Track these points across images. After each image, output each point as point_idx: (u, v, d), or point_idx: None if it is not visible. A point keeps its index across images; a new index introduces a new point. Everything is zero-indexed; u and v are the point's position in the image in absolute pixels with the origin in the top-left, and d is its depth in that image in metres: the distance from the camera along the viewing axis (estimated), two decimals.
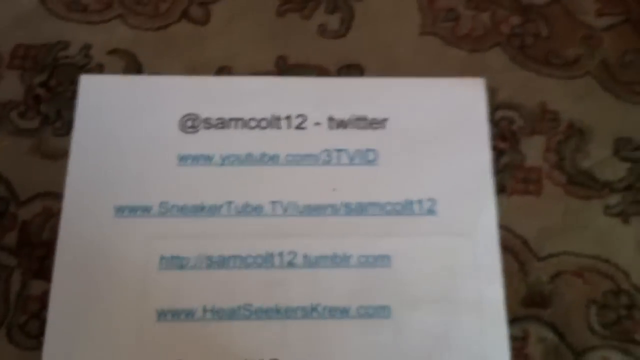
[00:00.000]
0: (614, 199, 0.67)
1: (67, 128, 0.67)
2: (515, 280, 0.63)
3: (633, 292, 0.63)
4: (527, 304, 0.62)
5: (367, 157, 0.67)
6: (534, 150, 0.69)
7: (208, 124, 0.67)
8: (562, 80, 0.73)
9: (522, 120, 0.70)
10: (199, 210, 0.63)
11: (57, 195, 0.64)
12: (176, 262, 0.61)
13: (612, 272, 0.63)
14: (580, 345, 0.61)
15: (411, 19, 0.75)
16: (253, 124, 0.67)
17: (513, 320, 0.61)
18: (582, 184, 0.67)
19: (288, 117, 0.68)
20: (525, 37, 0.74)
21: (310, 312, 0.60)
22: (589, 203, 0.67)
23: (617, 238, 0.65)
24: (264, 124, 0.68)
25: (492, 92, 0.72)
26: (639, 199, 0.67)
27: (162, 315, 0.60)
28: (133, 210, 0.63)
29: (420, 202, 0.65)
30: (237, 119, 0.68)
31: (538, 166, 0.68)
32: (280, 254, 0.62)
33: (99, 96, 0.68)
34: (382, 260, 0.62)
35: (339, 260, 0.62)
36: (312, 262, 0.62)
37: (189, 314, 0.60)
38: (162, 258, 0.62)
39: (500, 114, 0.70)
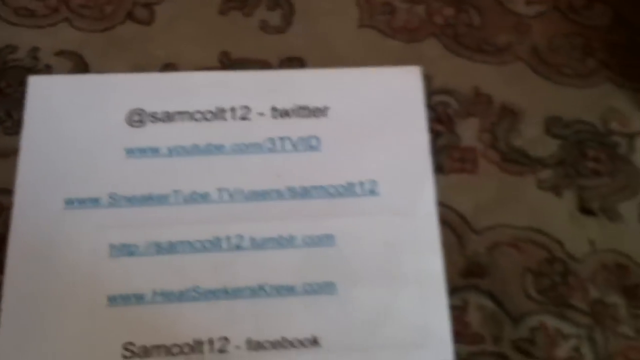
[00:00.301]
0: (546, 174, 0.68)
1: (17, 127, 0.67)
2: (454, 253, 0.64)
3: (567, 260, 0.64)
4: (466, 274, 0.63)
5: (310, 144, 0.67)
6: (469, 132, 0.70)
7: (154, 118, 0.68)
8: (494, 66, 0.74)
9: (457, 104, 0.71)
10: (147, 200, 0.64)
11: (8, 192, 0.64)
12: (126, 250, 0.62)
13: (546, 241, 0.65)
14: (517, 311, 0.62)
15: (349, 13, 0.77)
16: (198, 116, 0.68)
17: (453, 290, 0.62)
18: (516, 161, 0.68)
19: (232, 109, 0.69)
20: (458, 27, 0.76)
21: (257, 291, 0.61)
22: (523, 178, 0.68)
23: (550, 210, 0.66)
24: (209, 116, 0.68)
25: (428, 79, 0.73)
26: (570, 173, 0.68)
27: (113, 300, 0.60)
28: (82, 202, 0.64)
29: (362, 184, 0.65)
30: (182, 112, 0.69)
31: (473, 146, 0.69)
32: (228, 238, 0.63)
33: (47, 96, 0.69)
34: (326, 240, 0.63)
35: (284, 242, 0.63)
36: (258, 244, 0.63)
37: (139, 298, 0.60)
38: (111, 246, 0.62)
39: (436, 98, 0.71)
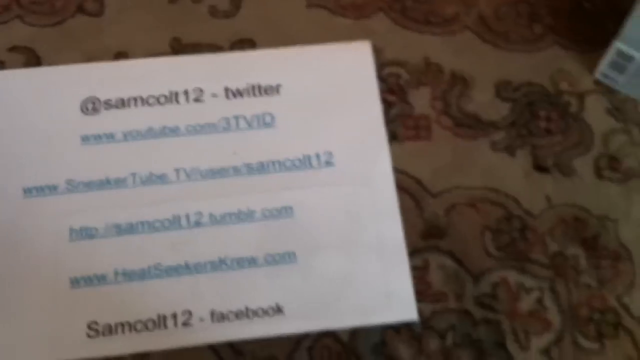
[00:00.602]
0: (499, 136, 0.67)
1: None
2: (413, 216, 0.63)
3: (524, 216, 0.63)
4: (426, 236, 0.62)
5: (264, 121, 0.67)
6: (421, 100, 0.69)
7: (109, 105, 0.67)
8: (442, 37, 0.74)
9: (408, 75, 0.71)
10: (105, 184, 0.63)
11: None
12: (86, 233, 0.61)
13: (502, 200, 0.64)
14: (478, 268, 0.61)
15: None
16: (152, 101, 0.67)
17: (413, 252, 0.61)
18: (468, 125, 0.68)
19: (186, 92, 0.68)
20: (405, 1, 0.75)
21: (218, 265, 0.60)
22: (476, 142, 0.67)
23: (505, 170, 0.65)
24: (162, 100, 0.67)
25: (378, 53, 0.73)
26: (523, 134, 0.67)
27: (75, 282, 0.59)
28: (41, 190, 0.62)
29: (317, 156, 0.65)
30: (136, 98, 0.68)
31: (426, 114, 0.68)
32: (187, 216, 0.61)
33: (2, 90, 0.66)
34: (285, 212, 0.62)
35: (243, 216, 0.62)
36: (218, 220, 0.61)
37: (101, 279, 0.59)
38: (71, 230, 0.61)
39: (387, 70, 0.70)
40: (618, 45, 0.66)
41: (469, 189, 0.64)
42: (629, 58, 0.65)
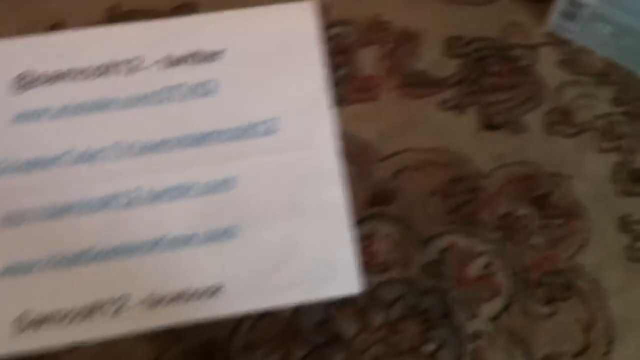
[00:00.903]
0: (448, 94, 0.63)
1: None
2: (359, 182, 0.59)
3: (474, 177, 0.59)
4: (372, 203, 0.58)
5: (207, 88, 0.63)
6: (368, 60, 0.65)
7: (45, 78, 0.63)
8: None
9: (355, 34, 0.66)
10: (38, 163, 0.58)
11: None
12: (17, 218, 0.57)
13: (452, 161, 0.60)
14: (425, 234, 0.57)
15: None
16: (90, 72, 0.63)
17: (360, 221, 0.56)
18: (417, 84, 0.63)
19: (126, 61, 0.63)
20: None
21: (156, 245, 0.56)
22: (425, 101, 0.62)
23: (455, 128, 0.61)
24: (101, 71, 0.63)
25: (325, 12, 0.68)
26: (473, 90, 0.62)
27: (6, 271, 0.54)
28: None
29: (261, 123, 0.61)
30: (73, 71, 0.63)
31: (373, 74, 0.63)
32: (126, 193, 0.58)
33: None
34: (227, 184, 0.59)
35: (184, 190, 0.58)
36: (157, 196, 0.58)
37: (33, 266, 0.55)
38: (2, 216, 0.55)
39: (334, 30, 0.65)
40: None
41: (417, 150, 0.59)
42: (579, 5, 0.60)
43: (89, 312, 0.52)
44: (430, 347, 0.52)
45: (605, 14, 0.60)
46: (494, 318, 0.53)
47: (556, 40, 0.64)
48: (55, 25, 0.64)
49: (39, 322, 0.52)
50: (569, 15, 0.62)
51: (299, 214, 0.56)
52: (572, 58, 0.63)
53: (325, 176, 0.58)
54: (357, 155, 0.59)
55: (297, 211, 0.56)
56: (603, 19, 0.60)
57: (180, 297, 0.53)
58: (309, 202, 0.56)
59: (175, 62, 0.63)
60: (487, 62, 0.64)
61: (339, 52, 0.64)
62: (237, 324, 0.53)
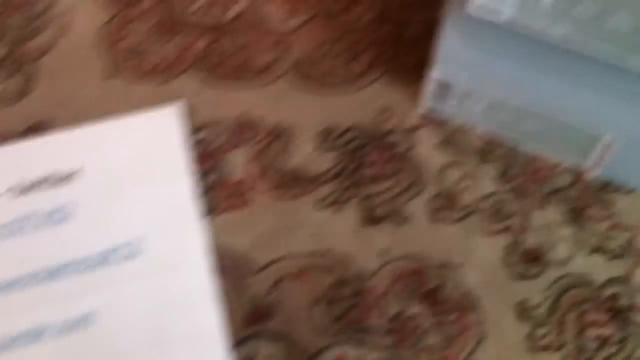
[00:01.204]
0: (325, 191, 0.57)
1: None
2: (235, 299, 0.51)
3: (357, 279, 0.52)
4: (251, 321, 0.51)
5: (63, 213, 0.57)
6: (239, 163, 0.61)
7: None
8: (257, 90, 0.63)
9: (224, 135, 0.61)
10: None
11: None
12: None
13: (334, 262, 0.54)
14: (312, 348, 0.51)
15: (92, 66, 0.66)
16: None
17: (238, 342, 0.49)
18: (291, 184, 0.57)
19: None
20: (212, 57, 0.66)
21: None
22: (301, 201, 0.56)
23: (334, 228, 0.56)
24: None
25: (191, 114, 0.64)
26: (351, 183, 0.58)
27: None
28: None
29: (122, 247, 0.54)
30: None
31: (244, 178, 0.56)
32: None
33: None
34: (84, 321, 0.51)
35: (35, 335, 0.49)
36: (6, 345, 0.47)
37: None
38: None
39: (201, 135, 0.60)
40: (433, 74, 0.57)
41: (295, 256, 0.53)
42: (448, 86, 0.54)
43: None
44: None
45: (476, 91, 0.55)
46: None
47: (433, 121, 0.59)
48: None
49: None
50: (441, 96, 0.57)
51: (168, 344, 0.50)
52: (451, 138, 0.58)
53: (196, 298, 0.51)
54: (231, 269, 0.52)
55: (166, 341, 0.50)
56: (475, 96, 0.55)
57: None
58: (179, 329, 0.50)
59: (29, 187, 0.56)
60: (364, 151, 0.58)
61: (207, 156, 0.58)
62: None
